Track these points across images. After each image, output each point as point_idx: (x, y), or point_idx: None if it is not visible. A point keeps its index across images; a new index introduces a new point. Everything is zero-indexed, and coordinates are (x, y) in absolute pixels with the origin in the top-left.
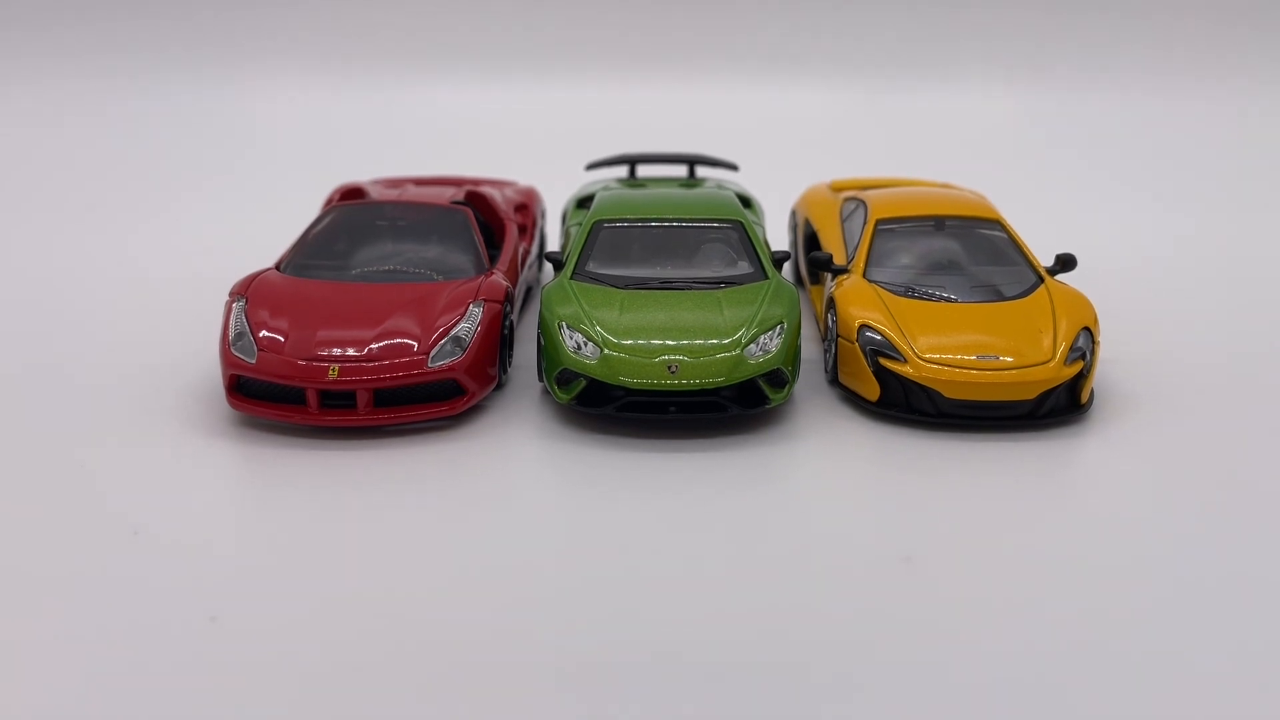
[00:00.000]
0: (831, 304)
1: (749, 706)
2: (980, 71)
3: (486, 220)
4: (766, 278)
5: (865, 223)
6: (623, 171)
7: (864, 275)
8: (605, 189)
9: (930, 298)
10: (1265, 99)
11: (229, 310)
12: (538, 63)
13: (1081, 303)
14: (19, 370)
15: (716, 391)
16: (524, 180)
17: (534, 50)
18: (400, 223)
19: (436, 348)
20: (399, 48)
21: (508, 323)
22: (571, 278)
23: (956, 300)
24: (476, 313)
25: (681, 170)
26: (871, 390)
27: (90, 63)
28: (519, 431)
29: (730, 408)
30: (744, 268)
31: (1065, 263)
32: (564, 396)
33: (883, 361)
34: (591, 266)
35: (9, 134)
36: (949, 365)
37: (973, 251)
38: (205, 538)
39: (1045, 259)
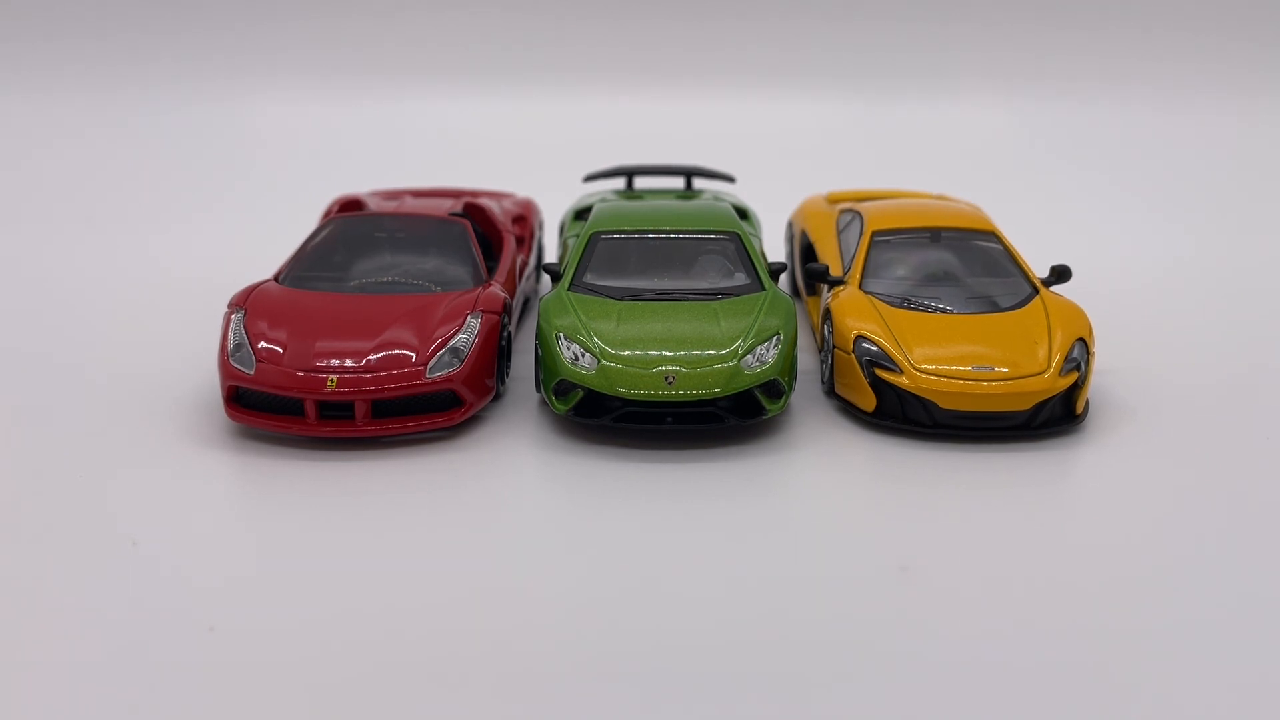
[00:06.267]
0: (828, 315)
1: (745, 715)
2: (976, 84)
3: (484, 232)
4: (763, 289)
5: (861, 234)
6: (620, 183)
7: (860, 286)
8: (603, 200)
9: (926, 309)
10: (1264, 114)
11: (227, 321)
12: (535, 75)
13: (1076, 314)
14: (18, 380)
15: (713, 402)
16: (522, 192)
17: (532, 63)
18: (398, 234)
19: (434, 359)
20: (397, 61)
21: (505, 334)
22: (569, 289)
23: (952, 311)
24: (474, 324)
25: (678, 182)
26: (867, 401)
27: (86, 76)
28: (517, 442)
29: (727, 418)
30: (741, 279)
31: (1060, 274)
32: (561, 407)
33: (879, 372)
34: (589, 278)
35: (5, 144)
36: (944, 376)
37: (968, 263)
38: (204, 548)
39: (1040, 270)
